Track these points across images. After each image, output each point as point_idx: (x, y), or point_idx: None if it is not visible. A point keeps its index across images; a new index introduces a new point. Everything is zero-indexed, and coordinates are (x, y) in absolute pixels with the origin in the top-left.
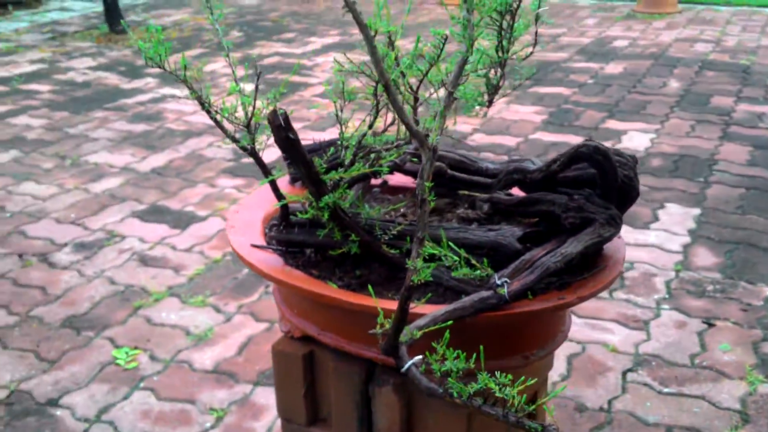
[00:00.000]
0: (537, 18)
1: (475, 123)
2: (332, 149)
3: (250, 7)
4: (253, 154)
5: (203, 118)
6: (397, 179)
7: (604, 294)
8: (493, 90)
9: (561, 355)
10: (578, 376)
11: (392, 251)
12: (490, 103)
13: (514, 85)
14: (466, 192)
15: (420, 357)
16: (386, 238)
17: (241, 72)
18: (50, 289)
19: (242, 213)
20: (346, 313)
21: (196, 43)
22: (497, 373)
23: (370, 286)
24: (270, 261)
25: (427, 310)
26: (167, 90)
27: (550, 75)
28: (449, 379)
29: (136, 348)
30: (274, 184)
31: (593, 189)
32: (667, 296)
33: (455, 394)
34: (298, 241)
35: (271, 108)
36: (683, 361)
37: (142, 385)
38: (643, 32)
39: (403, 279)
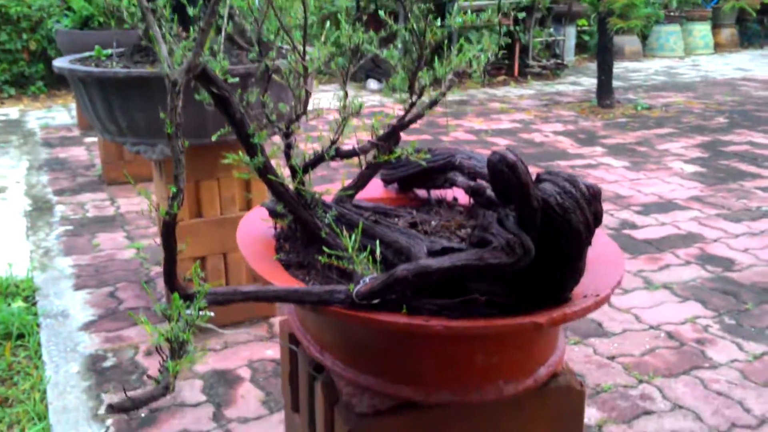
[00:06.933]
0: None
1: None
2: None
3: (756, 98)
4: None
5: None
6: (466, 199)
7: None
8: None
9: None
10: None
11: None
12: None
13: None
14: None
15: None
16: (324, 218)
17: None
18: None
19: None
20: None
21: (670, 123)
22: None
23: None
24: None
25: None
26: (607, 159)
27: None
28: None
29: None
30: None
31: None
32: None
33: None
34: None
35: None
36: None
37: None
38: None
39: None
